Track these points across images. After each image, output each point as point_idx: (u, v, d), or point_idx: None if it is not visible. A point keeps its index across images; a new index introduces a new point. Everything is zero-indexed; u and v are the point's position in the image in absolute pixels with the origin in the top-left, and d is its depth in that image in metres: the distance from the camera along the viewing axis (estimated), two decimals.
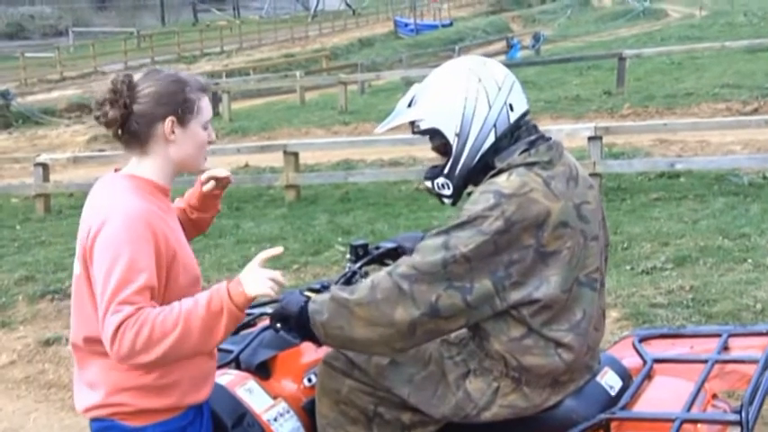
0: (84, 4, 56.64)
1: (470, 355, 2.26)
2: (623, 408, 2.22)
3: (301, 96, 20.27)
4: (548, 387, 2.22)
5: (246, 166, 11.28)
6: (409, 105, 2.31)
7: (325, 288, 2.40)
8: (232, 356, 2.56)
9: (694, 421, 2.15)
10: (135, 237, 1.99)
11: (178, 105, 2.10)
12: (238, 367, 2.59)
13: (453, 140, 2.24)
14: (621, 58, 16.13)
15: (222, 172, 2.46)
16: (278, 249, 2.17)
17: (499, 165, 2.21)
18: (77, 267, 2.12)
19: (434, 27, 42.87)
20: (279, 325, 2.32)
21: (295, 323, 2.26)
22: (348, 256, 2.77)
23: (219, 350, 2.41)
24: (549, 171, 2.19)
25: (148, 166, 2.14)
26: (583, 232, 2.20)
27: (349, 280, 2.59)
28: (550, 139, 2.29)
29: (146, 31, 42.42)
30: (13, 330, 6.05)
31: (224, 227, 8.02)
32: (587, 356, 2.26)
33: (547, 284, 2.13)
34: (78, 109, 23.75)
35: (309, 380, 2.59)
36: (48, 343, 5.71)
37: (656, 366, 2.44)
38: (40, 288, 6.61)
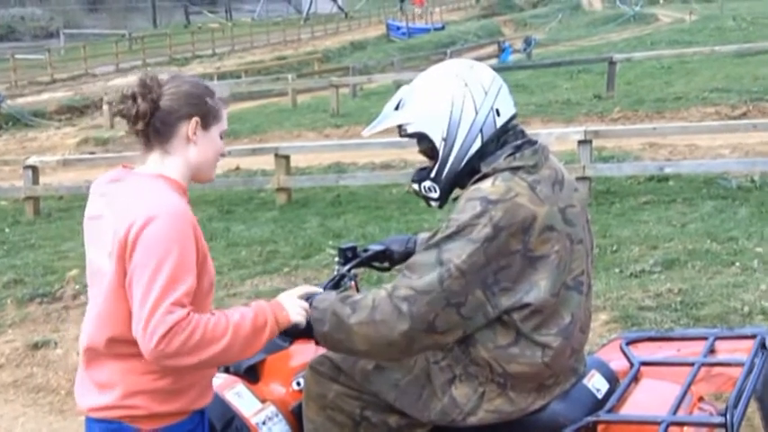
0: (76, 5, 56.51)
1: (455, 360, 2.27)
2: (610, 411, 2.23)
3: (293, 99, 20.25)
4: (533, 391, 2.23)
5: (238, 168, 11.27)
6: (396, 108, 2.32)
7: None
8: None
9: (680, 424, 2.16)
10: (183, 236, 2.00)
11: (204, 107, 2.14)
12: (227, 371, 2.59)
13: (440, 144, 2.25)
14: (612, 63, 16.22)
15: None
16: (317, 289, 2.35)
17: (485, 169, 2.22)
18: (108, 264, 2.05)
19: (426, 30, 42.94)
20: None
21: (295, 327, 2.27)
22: (337, 259, 2.78)
23: None
24: (534, 175, 2.20)
25: (173, 166, 2.14)
26: (569, 236, 2.21)
27: (338, 283, 2.60)
28: (536, 143, 2.30)
29: (137, 34, 42.30)
30: (2, 334, 6.02)
31: (215, 230, 8.02)
32: (572, 359, 2.27)
33: (537, 289, 2.14)
34: (69, 111, 23.70)
35: (298, 383, 2.59)
36: (36, 346, 5.68)
37: (642, 369, 2.45)
38: (29, 291, 6.58)
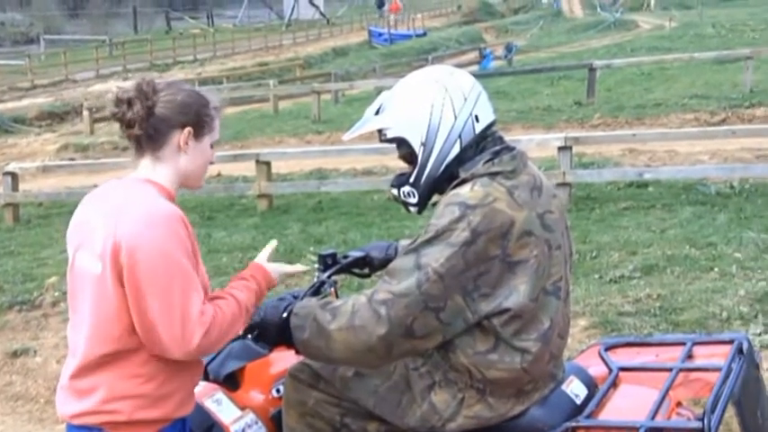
0: (56, 11, 56.20)
1: (435, 366, 2.27)
2: (588, 416, 2.24)
3: (275, 105, 20.20)
4: (512, 397, 2.24)
5: (219, 175, 11.23)
6: (377, 113, 2.32)
7: (295, 299, 2.40)
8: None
9: (659, 429, 2.18)
10: (180, 238, 2.05)
11: (198, 118, 2.15)
12: (206, 378, 2.58)
13: (419, 150, 2.26)
14: (592, 69, 16.31)
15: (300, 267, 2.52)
16: (273, 243, 2.41)
17: (463, 174, 2.23)
18: (96, 266, 2.04)
19: (408, 37, 42.98)
20: (252, 334, 2.32)
21: (275, 333, 2.29)
22: (317, 265, 2.77)
23: None
24: (513, 180, 2.21)
25: (163, 173, 2.15)
26: (547, 241, 2.22)
27: (318, 290, 2.59)
28: (515, 149, 2.31)
29: (118, 39, 42.11)
30: None
31: (196, 236, 7.97)
32: (550, 364, 2.28)
33: (516, 294, 2.15)
34: (49, 117, 23.52)
35: (278, 390, 2.59)
36: (15, 354, 5.64)
37: (621, 375, 2.46)
38: (8, 299, 6.53)
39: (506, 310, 2.15)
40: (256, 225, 8.60)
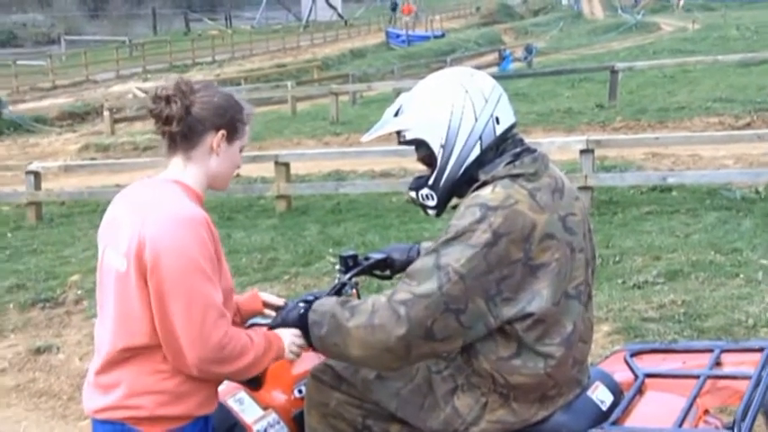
0: (77, 12, 56.70)
1: (458, 370, 2.25)
2: (614, 423, 2.21)
3: (293, 107, 20.24)
4: (536, 402, 2.21)
5: (238, 176, 11.24)
6: (396, 114, 2.30)
7: (316, 299, 2.39)
8: None
9: None
10: (203, 241, 2.06)
11: (232, 122, 2.20)
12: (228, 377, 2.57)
13: (438, 152, 2.24)
14: (614, 71, 16.16)
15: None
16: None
17: (483, 177, 2.21)
18: (121, 263, 2.08)
19: (426, 38, 42.95)
20: None
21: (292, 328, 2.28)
22: (338, 267, 2.77)
23: None
24: (534, 183, 2.18)
25: (193, 174, 2.19)
26: (569, 244, 2.19)
27: (339, 291, 2.59)
28: (536, 151, 2.28)
29: (138, 40, 42.44)
30: (4, 339, 6.05)
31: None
32: (574, 369, 2.25)
33: (539, 298, 2.12)
34: (70, 117, 23.75)
35: (300, 391, 2.59)
36: (39, 351, 5.70)
37: (647, 381, 2.43)
38: (31, 296, 6.61)
39: (529, 315, 2.12)
40: (275, 226, 8.61)
